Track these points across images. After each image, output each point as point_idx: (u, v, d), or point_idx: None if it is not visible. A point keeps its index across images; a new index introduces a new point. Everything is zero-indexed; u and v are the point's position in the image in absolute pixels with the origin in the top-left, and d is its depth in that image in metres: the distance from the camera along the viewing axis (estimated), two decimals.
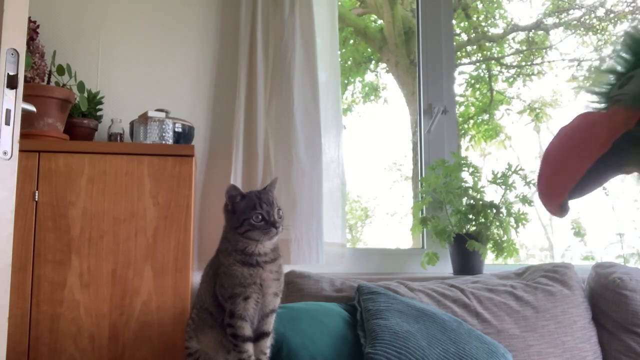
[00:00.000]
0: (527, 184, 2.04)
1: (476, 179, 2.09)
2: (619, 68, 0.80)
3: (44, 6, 1.95)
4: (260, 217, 1.17)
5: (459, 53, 3.04)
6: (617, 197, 2.58)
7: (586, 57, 3.07)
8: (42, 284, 1.49)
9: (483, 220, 2.03)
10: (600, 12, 3.17)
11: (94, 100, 1.86)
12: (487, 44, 3.23)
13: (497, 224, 2.04)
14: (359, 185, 2.74)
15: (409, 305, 1.51)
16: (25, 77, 1.61)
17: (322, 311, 1.48)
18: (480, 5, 3.27)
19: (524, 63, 3.23)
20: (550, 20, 3.18)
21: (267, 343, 1.21)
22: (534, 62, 3.18)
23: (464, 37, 3.21)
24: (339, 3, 2.53)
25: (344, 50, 2.94)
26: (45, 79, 1.78)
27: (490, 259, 2.18)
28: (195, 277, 1.56)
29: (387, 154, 2.79)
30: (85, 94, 1.81)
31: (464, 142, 3.09)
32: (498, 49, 3.25)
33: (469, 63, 3.18)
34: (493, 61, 3.27)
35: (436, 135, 2.30)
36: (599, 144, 0.77)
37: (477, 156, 3.13)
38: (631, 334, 1.75)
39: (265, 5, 2.01)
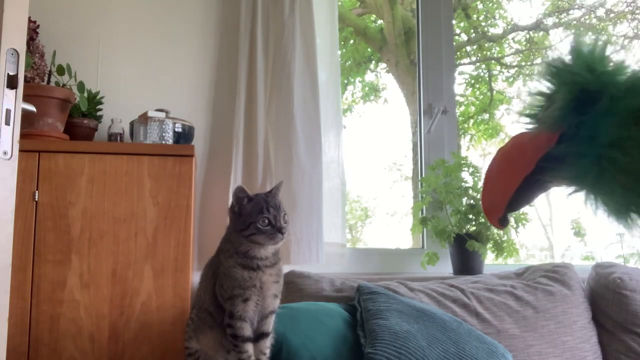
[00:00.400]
0: None
1: (476, 179, 2.09)
2: (546, 91, 0.86)
3: (44, 6, 1.95)
4: (266, 221, 1.16)
5: (459, 53, 3.04)
6: None
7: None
8: (42, 284, 1.49)
9: (483, 220, 2.03)
10: (600, 12, 3.17)
11: (94, 100, 1.86)
12: (487, 44, 3.23)
13: None
14: (359, 185, 2.74)
15: (409, 305, 1.51)
16: (25, 77, 1.61)
17: (322, 311, 1.48)
18: (480, 5, 3.27)
19: (524, 63, 3.23)
20: (550, 20, 3.19)
21: (267, 343, 1.21)
22: (534, 62, 3.18)
23: (464, 37, 3.21)
24: (339, 3, 2.53)
25: (344, 50, 2.94)
26: (45, 79, 1.78)
27: (490, 259, 2.18)
28: (195, 277, 1.56)
29: (387, 154, 2.79)
30: (85, 94, 1.81)
31: (464, 142, 3.09)
32: (498, 49, 3.25)
33: (469, 63, 3.18)
34: (493, 61, 3.27)
35: (436, 135, 2.30)
36: (525, 164, 0.85)
37: (477, 156, 3.13)
38: (631, 334, 1.75)
39: (265, 5, 2.01)
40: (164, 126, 1.72)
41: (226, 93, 2.05)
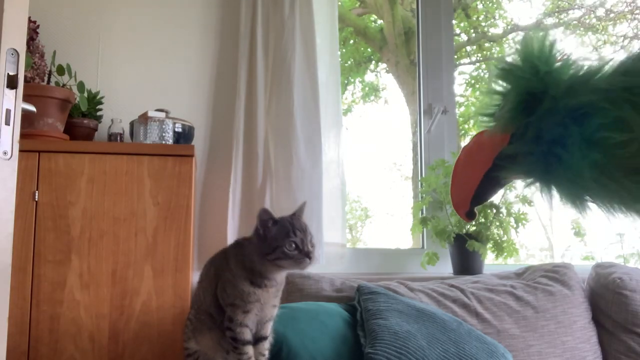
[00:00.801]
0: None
1: None
2: (501, 90, 0.93)
3: (44, 6, 1.95)
4: (294, 245, 1.11)
5: (459, 53, 3.04)
6: None
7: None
8: (42, 284, 1.49)
9: (483, 220, 2.03)
10: (600, 12, 3.17)
11: (94, 100, 1.86)
12: (487, 44, 3.22)
13: (497, 223, 2.04)
14: (359, 185, 2.74)
15: (409, 305, 1.51)
16: (25, 77, 1.61)
17: (322, 311, 1.48)
18: (480, 5, 3.27)
19: None
20: (550, 20, 3.18)
21: (266, 345, 1.21)
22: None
23: (464, 37, 3.21)
24: (339, 3, 2.53)
25: (344, 50, 2.94)
26: (45, 79, 1.78)
27: (490, 259, 2.18)
28: (195, 277, 1.56)
29: (387, 154, 2.79)
30: (85, 94, 1.81)
31: (464, 142, 3.08)
32: (498, 49, 3.25)
33: (469, 63, 3.18)
34: (493, 61, 3.26)
35: (436, 135, 2.30)
36: (484, 161, 0.93)
37: None
38: (631, 334, 1.75)
39: (265, 5, 2.01)
40: (164, 126, 1.72)
41: (226, 93, 2.05)
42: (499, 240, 2.03)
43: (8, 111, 1.01)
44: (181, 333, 1.43)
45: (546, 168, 0.83)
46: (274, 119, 1.95)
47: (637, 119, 0.74)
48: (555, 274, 1.84)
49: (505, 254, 2.03)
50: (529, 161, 0.85)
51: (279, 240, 1.12)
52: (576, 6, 3.20)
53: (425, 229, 2.21)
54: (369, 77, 3.07)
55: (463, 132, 3.07)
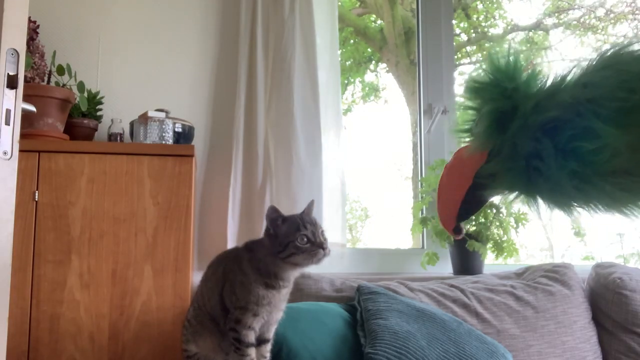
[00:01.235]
0: None
1: None
2: (474, 105, 0.96)
3: (44, 6, 1.95)
4: (305, 238, 1.10)
5: (459, 53, 3.04)
6: None
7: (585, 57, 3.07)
8: (42, 284, 1.49)
9: (483, 220, 2.03)
10: (600, 12, 3.17)
11: (94, 100, 1.86)
12: (487, 44, 3.22)
13: (497, 224, 2.04)
14: (359, 185, 2.74)
15: (409, 305, 1.51)
16: (25, 77, 1.61)
17: (322, 311, 1.48)
18: (480, 6, 3.27)
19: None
20: (550, 20, 3.18)
21: (268, 347, 1.21)
22: (534, 62, 3.17)
23: (464, 37, 3.21)
24: (339, 3, 2.53)
25: (344, 50, 2.94)
26: (45, 79, 1.78)
27: (490, 259, 2.18)
28: (195, 277, 1.56)
29: (387, 154, 2.79)
30: (85, 94, 1.81)
31: (464, 142, 3.08)
32: (498, 49, 3.24)
33: (469, 63, 3.18)
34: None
35: (436, 135, 2.30)
36: (465, 179, 0.95)
37: None
38: (631, 334, 1.75)
39: (265, 5, 2.01)
40: (164, 126, 1.72)
41: (226, 93, 2.05)
42: (499, 240, 2.03)
43: (8, 111, 1.01)
44: (181, 333, 1.43)
45: (528, 181, 0.85)
46: (274, 119, 1.95)
47: (603, 128, 0.78)
48: (555, 274, 1.84)
49: (505, 254, 2.03)
50: (510, 176, 0.88)
51: (289, 236, 1.11)
52: (576, 6, 3.20)
53: (425, 229, 2.21)
54: (369, 77, 3.07)
55: None
